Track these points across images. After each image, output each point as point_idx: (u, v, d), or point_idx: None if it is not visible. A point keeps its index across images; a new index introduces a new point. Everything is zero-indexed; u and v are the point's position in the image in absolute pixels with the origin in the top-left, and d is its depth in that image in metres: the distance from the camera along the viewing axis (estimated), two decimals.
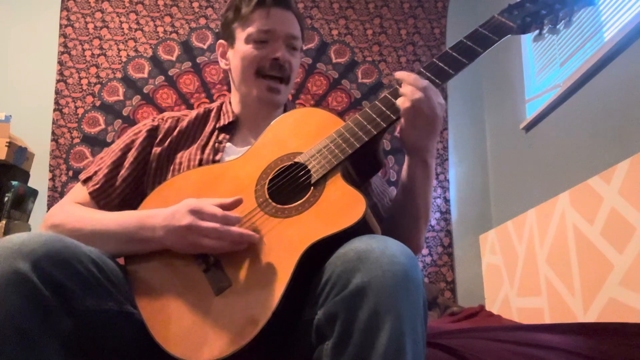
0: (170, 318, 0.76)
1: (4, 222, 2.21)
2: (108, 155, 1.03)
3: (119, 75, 3.13)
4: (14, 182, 2.31)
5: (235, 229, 0.77)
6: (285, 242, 0.76)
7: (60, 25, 3.15)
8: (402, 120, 0.84)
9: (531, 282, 2.14)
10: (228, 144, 1.05)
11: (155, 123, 1.07)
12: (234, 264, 0.77)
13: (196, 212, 0.78)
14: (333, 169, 0.81)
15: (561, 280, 1.89)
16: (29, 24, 3.14)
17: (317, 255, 0.71)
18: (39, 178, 2.78)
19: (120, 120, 3.07)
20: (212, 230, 0.76)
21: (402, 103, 0.83)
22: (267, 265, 0.75)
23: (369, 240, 0.68)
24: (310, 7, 3.34)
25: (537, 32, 0.92)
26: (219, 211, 0.78)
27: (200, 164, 1.00)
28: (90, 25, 3.18)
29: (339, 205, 0.77)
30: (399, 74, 0.87)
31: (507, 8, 0.93)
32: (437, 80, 0.86)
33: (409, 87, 0.84)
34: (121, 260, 0.86)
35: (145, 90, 3.13)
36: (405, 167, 0.93)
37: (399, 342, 0.61)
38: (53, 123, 3.03)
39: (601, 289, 1.63)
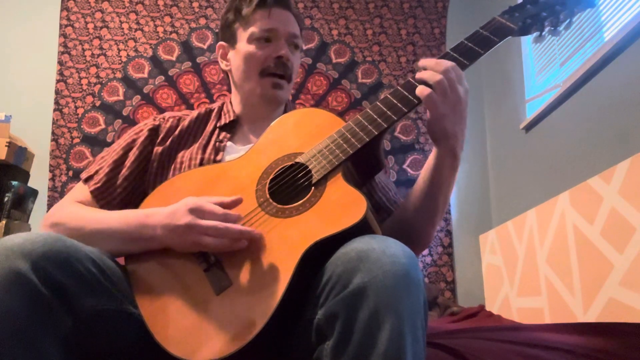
0: (171, 317, 0.76)
1: (4, 222, 2.21)
2: (109, 155, 1.03)
3: (119, 75, 3.13)
4: (14, 182, 2.31)
5: (234, 226, 0.77)
6: (286, 242, 0.76)
7: (60, 25, 3.15)
8: (427, 108, 0.82)
9: (531, 282, 2.14)
10: (229, 143, 1.05)
11: (157, 122, 1.07)
12: (234, 264, 0.77)
13: (196, 211, 0.78)
14: (334, 169, 0.81)
15: (561, 280, 1.89)
16: (29, 24, 3.14)
17: (317, 255, 0.71)
18: (39, 178, 2.78)
19: (120, 120, 3.07)
20: (212, 228, 0.76)
21: (421, 90, 0.81)
22: (267, 265, 0.75)
23: (369, 240, 0.68)
24: (310, 7, 3.34)
25: (537, 33, 0.92)
26: (219, 209, 0.78)
27: (201, 163, 1.00)
28: (90, 25, 3.18)
29: (340, 205, 0.77)
30: (422, 62, 0.84)
31: (507, 10, 0.93)
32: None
33: (429, 71, 0.82)
34: (121, 260, 0.86)
35: (145, 90, 3.13)
36: (431, 158, 0.89)
37: (399, 342, 0.61)
38: (53, 123, 3.03)
39: (601, 289, 1.63)
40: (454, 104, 0.81)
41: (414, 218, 0.94)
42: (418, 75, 0.83)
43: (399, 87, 0.86)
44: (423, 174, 0.91)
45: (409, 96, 0.85)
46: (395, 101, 0.85)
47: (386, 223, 1.01)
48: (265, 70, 1.05)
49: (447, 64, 0.82)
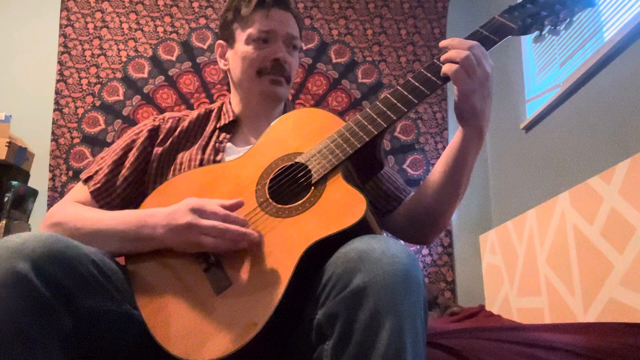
0: (171, 317, 0.76)
1: (4, 222, 2.21)
2: (109, 155, 1.03)
3: (119, 75, 3.13)
4: (14, 182, 2.32)
5: (234, 226, 0.77)
6: (285, 241, 0.76)
7: (60, 25, 3.15)
8: (455, 85, 0.82)
9: (531, 282, 2.14)
10: (229, 144, 1.05)
11: (156, 123, 1.07)
12: (234, 264, 0.77)
13: (197, 211, 0.78)
14: (334, 169, 0.81)
15: (561, 280, 1.89)
16: (29, 24, 3.14)
17: (317, 255, 0.71)
18: (39, 178, 2.78)
19: (120, 120, 3.07)
20: (212, 228, 0.76)
21: (449, 67, 0.81)
22: (267, 265, 0.75)
23: (369, 240, 0.68)
24: (310, 7, 3.34)
25: (537, 33, 0.92)
26: (221, 210, 0.78)
27: (201, 164, 1.00)
28: (90, 25, 3.18)
29: (340, 205, 0.77)
30: (445, 42, 0.85)
31: (507, 9, 0.93)
32: (438, 82, 0.86)
33: (454, 50, 0.82)
34: (121, 260, 0.86)
35: (145, 90, 3.13)
36: (456, 139, 0.89)
37: (400, 342, 0.61)
38: (53, 123, 3.03)
39: (601, 289, 1.63)
40: (482, 79, 0.83)
41: (434, 202, 0.93)
42: (444, 56, 0.84)
43: (398, 87, 0.86)
44: (445, 156, 0.91)
45: (409, 96, 0.85)
46: (394, 100, 0.85)
47: (399, 210, 1.00)
48: (262, 71, 1.05)
49: (471, 42, 0.83)
